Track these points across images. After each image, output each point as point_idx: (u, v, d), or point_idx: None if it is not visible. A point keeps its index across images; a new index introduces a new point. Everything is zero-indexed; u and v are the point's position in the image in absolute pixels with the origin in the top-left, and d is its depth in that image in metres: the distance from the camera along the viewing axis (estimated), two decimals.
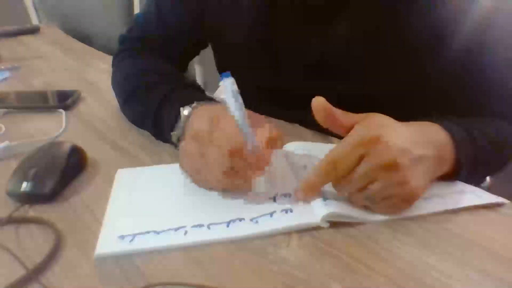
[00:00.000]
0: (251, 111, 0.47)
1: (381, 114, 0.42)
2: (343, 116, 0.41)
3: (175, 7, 0.68)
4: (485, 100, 0.56)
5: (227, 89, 0.43)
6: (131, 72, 0.66)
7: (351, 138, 0.40)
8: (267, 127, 0.46)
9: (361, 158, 0.39)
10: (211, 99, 0.55)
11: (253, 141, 0.43)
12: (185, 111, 0.51)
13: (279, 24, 0.60)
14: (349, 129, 0.41)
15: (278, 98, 0.65)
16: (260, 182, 0.44)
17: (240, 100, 0.43)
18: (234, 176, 0.43)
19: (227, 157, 0.41)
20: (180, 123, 0.51)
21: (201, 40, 0.73)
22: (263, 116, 0.49)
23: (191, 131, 0.46)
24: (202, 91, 0.60)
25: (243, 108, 0.43)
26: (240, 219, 0.42)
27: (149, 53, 0.68)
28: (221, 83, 0.44)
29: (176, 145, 0.53)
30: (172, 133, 0.52)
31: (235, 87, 0.43)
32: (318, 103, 0.40)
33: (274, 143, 0.45)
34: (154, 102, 0.56)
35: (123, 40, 0.74)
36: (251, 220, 0.42)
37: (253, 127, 0.44)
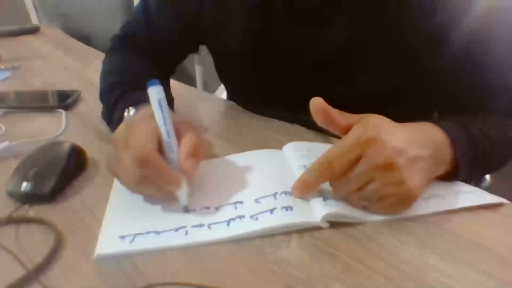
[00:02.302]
0: (183, 119, 0.47)
1: (378, 115, 0.42)
2: (340, 117, 0.41)
3: (164, 13, 0.67)
4: (486, 97, 0.56)
5: (151, 97, 0.42)
6: (104, 71, 0.67)
7: (347, 139, 0.40)
8: (191, 137, 0.44)
9: (357, 159, 0.39)
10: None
11: (173, 151, 0.42)
12: (130, 112, 0.51)
13: (274, 28, 0.60)
14: (346, 129, 0.41)
15: (277, 99, 0.65)
16: (181, 195, 0.43)
17: (166, 108, 0.42)
18: (145, 184, 0.42)
19: (135, 164, 0.40)
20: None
21: (191, 45, 0.73)
22: (192, 125, 0.48)
23: (112, 136, 0.45)
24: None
25: (169, 116, 0.42)
26: (240, 217, 0.42)
27: (132, 53, 0.68)
28: (148, 93, 0.42)
29: None
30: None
31: (162, 95, 0.42)
32: (316, 104, 0.41)
33: (197, 154, 0.43)
34: (110, 102, 0.57)
35: (113, 38, 0.74)
36: (251, 217, 0.42)
37: (180, 136, 0.44)
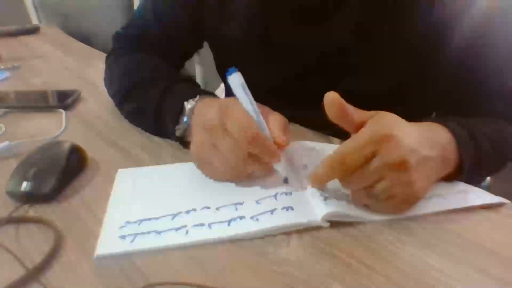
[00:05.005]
0: (257, 102, 0.48)
1: (390, 113, 0.41)
2: (354, 113, 0.41)
3: (171, 6, 0.68)
4: (485, 99, 0.56)
5: (235, 82, 0.45)
6: (130, 67, 0.66)
7: (362, 135, 0.39)
8: (276, 114, 0.48)
9: (371, 156, 0.39)
10: (211, 93, 0.55)
11: (266, 129, 0.45)
12: (188, 105, 0.51)
13: (277, 23, 0.61)
14: (359, 126, 0.40)
15: (278, 95, 0.65)
16: (280, 167, 0.46)
17: (249, 91, 0.45)
18: (252, 163, 0.44)
19: (245, 145, 0.42)
20: (184, 117, 0.51)
21: (197, 39, 0.73)
22: (266, 107, 0.50)
23: (201, 123, 0.46)
24: (199, 86, 0.61)
25: (252, 99, 0.45)
26: (241, 217, 0.42)
27: (146, 52, 0.68)
28: (229, 79, 0.45)
29: (178, 139, 0.54)
30: (176, 127, 0.52)
31: (243, 80, 0.45)
32: (331, 97, 0.40)
33: (285, 129, 0.47)
34: (154, 96, 0.57)
35: (118, 38, 0.73)
36: (252, 217, 0.42)
37: (263, 116, 0.46)
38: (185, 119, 0.51)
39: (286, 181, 0.46)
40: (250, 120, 0.44)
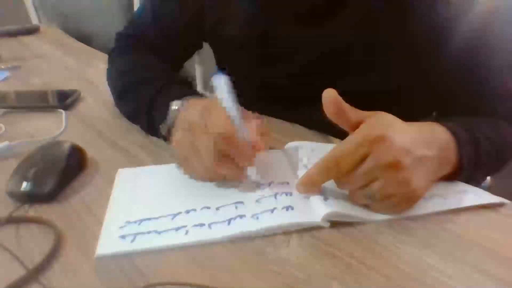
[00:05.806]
0: (240, 107, 0.48)
1: (387, 113, 0.42)
2: (351, 112, 0.41)
3: (170, 6, 0.68)
4: (485, 100, 0.56)
5: (222, 86, 0.45)
6: (126, 67, 0.67)
7: (355, 136, 0.39)
8: (256, 120, 0.48)
9: (364, 157, 0.39)
10: (201, 95, 0.56)
11: (245, 132, 0.45)
12: (175, 106, 0.51)
13: (278, 23, 0.61)
14: (355, 126, 0.40)
15: (278, 95, 0.65)
16: (252, 171, 0.47)
17: (233, 95, 0.45)
18: (225, 163, 0.44)
19: (219, 143, 0.42)
20: (169, 117, 0.51)
21: (197, 40, 0.73)
22: (247, 112, 0.50)
23: (183, 123, 0.47)
24: (192, 87, 0.62)
25: (236, 103, 0.45)
26: (241, 216, 0.42)
27: (144, 51, 0.69)
28: (215, 81, 0.45)
29: (165, 138, 0.54)
30: (160, 126, 0.53)
31: (229, 83, 0.45)
32: (329, 95, 0.40)
33: (264, 134, 0.47)
34: (147, 96, 0.57)
35: (119, 37, 0.74)
36: (252, 216, 0.42)
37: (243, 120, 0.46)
38: (169, 118, 0.51)
39: (257, 186, 0.46)
40: (227, 120, 0.44)
